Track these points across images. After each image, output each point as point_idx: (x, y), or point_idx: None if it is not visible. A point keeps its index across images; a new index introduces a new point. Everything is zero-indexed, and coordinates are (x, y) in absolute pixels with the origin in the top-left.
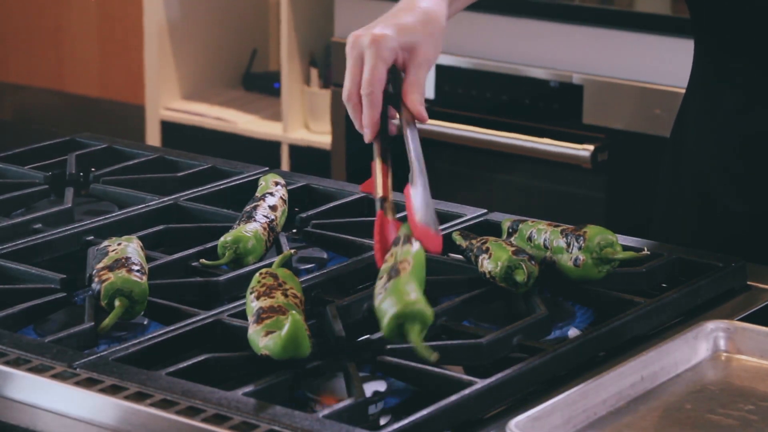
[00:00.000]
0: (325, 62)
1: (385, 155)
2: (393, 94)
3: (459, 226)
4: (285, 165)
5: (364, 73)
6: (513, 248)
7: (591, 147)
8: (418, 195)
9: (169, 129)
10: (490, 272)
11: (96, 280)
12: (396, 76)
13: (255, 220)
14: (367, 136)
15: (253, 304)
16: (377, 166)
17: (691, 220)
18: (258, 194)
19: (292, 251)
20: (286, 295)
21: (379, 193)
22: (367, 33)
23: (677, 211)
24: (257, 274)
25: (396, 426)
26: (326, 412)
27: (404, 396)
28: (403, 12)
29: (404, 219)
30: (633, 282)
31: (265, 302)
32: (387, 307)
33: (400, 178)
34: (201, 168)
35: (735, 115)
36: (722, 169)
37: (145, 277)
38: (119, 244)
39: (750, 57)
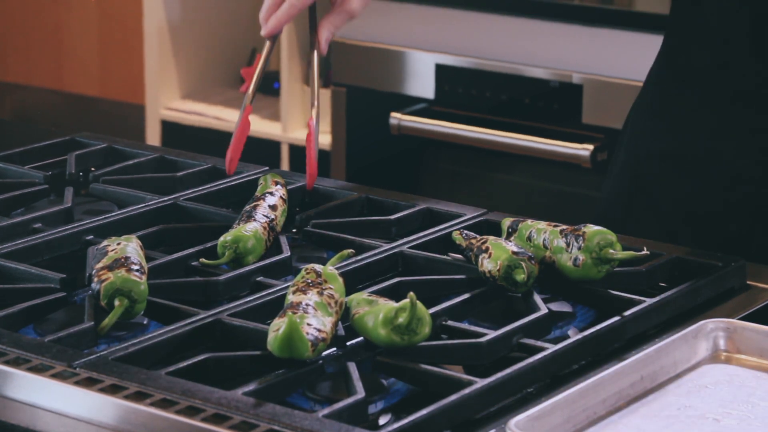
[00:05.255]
0: (325, 62)
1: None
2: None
3: (459, 226)
4: (285, 165)
5: None
6: (513, 248)
7: (591, 146)
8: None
9: (169, 128)
10: (490, 272)
11: (95, 279)
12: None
13: (255, 220)
14: (269, 29)
15: (288, 297)
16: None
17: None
18: (258, 194)
19: (351, 251)
20: (321, 294)
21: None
22: None
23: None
24: (303, 269)
25: (396, 426)
26: (326, 411)
27: (404, 396)
28: None
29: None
30: (633, 282)
31: (297, 298)
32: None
33: None
34: (201, 168)
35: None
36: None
37: (144, 277)
38: (119, 244)
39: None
